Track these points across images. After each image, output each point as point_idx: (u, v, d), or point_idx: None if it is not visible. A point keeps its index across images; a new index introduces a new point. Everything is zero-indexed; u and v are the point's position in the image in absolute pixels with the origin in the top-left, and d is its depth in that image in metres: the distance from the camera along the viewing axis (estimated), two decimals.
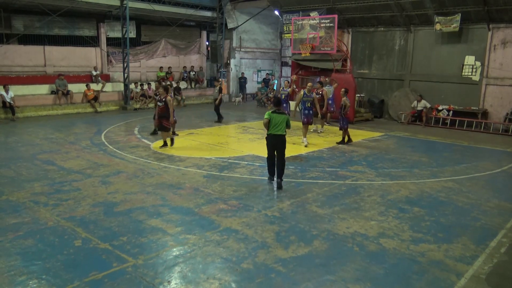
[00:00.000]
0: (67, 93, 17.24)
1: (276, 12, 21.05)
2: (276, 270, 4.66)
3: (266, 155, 8.03)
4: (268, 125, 7.64)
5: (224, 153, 10.38)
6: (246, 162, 9.50)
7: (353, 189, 7.79)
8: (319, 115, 13.11)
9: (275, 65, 26.28)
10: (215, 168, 8.92)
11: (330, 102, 15.36)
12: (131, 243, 5.26)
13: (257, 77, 25.04)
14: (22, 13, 17.44)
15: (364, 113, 17.09)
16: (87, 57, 19.43)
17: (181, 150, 10.72)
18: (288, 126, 7.71)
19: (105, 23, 19.76)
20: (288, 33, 19.48)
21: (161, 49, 21.98)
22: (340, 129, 11.91)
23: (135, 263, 4.74)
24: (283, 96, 13.74)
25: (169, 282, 4.38)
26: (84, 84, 17.97)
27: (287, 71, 25.73)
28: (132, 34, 20.15)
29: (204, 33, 24.14)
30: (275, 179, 7.83)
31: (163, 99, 10.55)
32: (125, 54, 18.27)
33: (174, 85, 19.92)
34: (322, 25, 16.46)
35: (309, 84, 12.23)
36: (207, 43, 24.51)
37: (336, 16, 16.15)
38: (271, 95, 20.36)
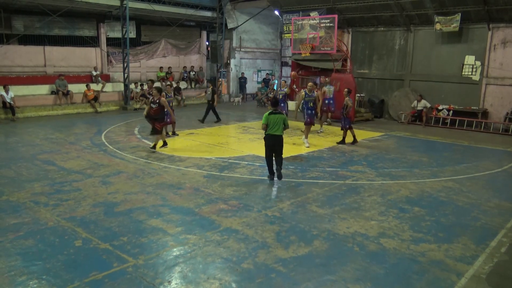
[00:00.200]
0: (67, 93, 17.25)
1: (276, 12, 21.05)
2: (277, 270, 4.66)
3: (265, 157, 8.20)
4: (266, 127, 7.86)
5: (224, 153, 10.38)
6: (246, 162, 9.50)
7: (353, 189, 7.79)
8: (318, 115, 13.10)
9: (275, 65, 26.28)
10: (215, 168, 8.93)
11: (331, 102, 15.39)
12: (131, 243, 5.26)
13: (257, 77, 25.04)
14: (22, 14, 17.44)
15: (364, 113, 17.10)
16: (87, 57, 19.44)
17: (181, 150, 10.72)
18: (285, 126, 7.93)
19: (105, 23, 19.77)
20: (288, 33, 19.49)
21: (161, 49, 21.99)
22: (342, 129, 11.88)
23: (135, 263, 4.74)
24: (280, 96, 13.74)
25: (169, 282, 4.38)
26: (84, 84, 17.98)
27: (287, 71, 25.72)
28: (132, 34, 20.16)
29: (204, 33, 24.14)
30: (275, 179, 8.07)
31: (157, 101, 10.18)
32: (125, 54, 18.27)
33: (174, 85, 19.90)
34: (322, 25, 16.45)
35: (309, 83, 12.17)
36: (207, 43, 24.51)
37: (336, 16, 16.14)
38: (271, 95, 20.30)
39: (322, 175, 8.63)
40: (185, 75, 22.60)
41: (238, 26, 22.84)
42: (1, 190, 7.22)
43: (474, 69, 15.43)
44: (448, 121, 15.62)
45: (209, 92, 14.99)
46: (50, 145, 10.96)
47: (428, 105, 15.82)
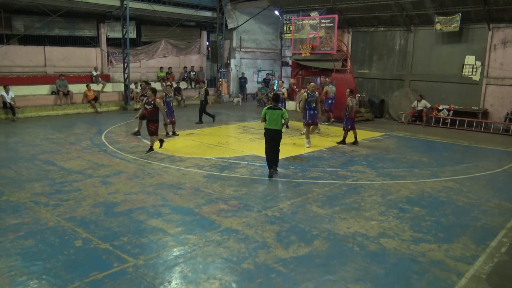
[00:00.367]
0: (67, 94, 17.26)
1: (276, 12, 21.05)
2: (277, 270, 4.66)
3: (265, 155, 8.65)
4: (264, 121, 8.35)
5: (224, 153, 10.39)
6: (246, 162, 9.50)
7: (354, 189, 7.79)
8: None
9: (275, 65, 26.29)
10: (215, 168, 8.93)
11: (333, 102, 15.40)
12: (131, 243, 5.26)
13: (257, 77, 25.04)
14: (22, 14, 17.45)
15: (365, 113, 17.10)
16: (87, 58, 19.45)
17: (182, 150, 10.72)
18: (284, 119, 8.30)
19: (105, 24, 19.78)
20: (288, 33, 19.50)
21: (161, 49, 21.99)
22: (344, 129, 11.84)
23: (135, 263, 4.74)
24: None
25: (169, 282, 4.39)
26: (85, 85, 17.98)
27: (287, 71, 25.74)
28: (132, 34, 20.17)
29: (204, 33, 24.14)
30: (274, 175, 8.45)
31: (152, 102, 10.03)
32: (125, 55, 18.27)
33: (175, 85, 19.91)
34: (322, 25, 16.46)
35: (311, 84, 12.08)
36: (207, 43, 24.52)
37: (336, 16, 16.16)
38: (271, 95, 20.34)
39: (322, 175, 8.63)
40: (185, 75, 22.60)
41: (238, 26, 22.84)
42: (2, 190, 7.22)
43: (474, 69, 15.43)
44: (448, 121, 15.61)
45: (202, 92, 14.82)
46: (50, 145, 10.96)
47: (428, 105, 15.82)
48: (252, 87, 24.49)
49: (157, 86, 20.37)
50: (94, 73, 19.09)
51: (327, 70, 18.46)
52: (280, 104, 12.90)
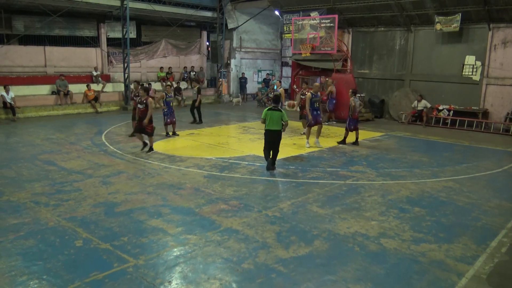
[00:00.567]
0: (67, 93, 17.26)
1: (277, 12, 21.05)
2: (277, 270, 4.66)
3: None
4: (264, 122, 8.58)
5: (224, 153, 10.39)
6: (246, 162, 9.50)
7: (354, 189, 7.79)
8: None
9: (275, 65, 26.29)
10: (215, 168, 8.93)
11: (334, 102, 15.40)
12: (132, 243, 5.26)
13: (258, 77, 25.05)
14: (22, 14, 17.46)
15: (365, 113, 17.08)
16: (87, 58, 19.46)
17: (182, 150, 10.72)
18: (284, 121, 8.54)
19: (105, 24, 19.78)
20: (288, 33, 19.50)
21: (161, 50, 22.00)
22: (346, 129, 11.74)
23: (136, 263, 4.74)
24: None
25: (170, 282, 4.39)
26: (85, 85, 17.99)
27: (287, 71, 25.75)
28: (132, 34, 20.18)
29: (205, 33, 24.15)
30: (270, 161, 8.76)
31: (144, 101, 9.88)
32: (125, 55, 18.28)
33: (175, 85, 19.92)
34: (322, 25, 16.46)
35: (315, 84, 12.00)
36: (207, 43, 24.53)
37: (336, 16, 16.16)
38: (271, 95, 20.35)
39: (322, 175, 8.62)
40: (186, 75, 22.60)
41: (239, 26, 22.85)
42: (2, 190, 7.22)
43: (475, 69, 15.42)
44: (449, 121, 15.61)
45: (194, 91, 14.70)
46: (51, 145, 10.97)
47: (429, 105, 15.82)
48: (252, 87, 24.49)
49: (157, 86, 20.44)
50: (94, 73, 19.09)
51: (327, 70, 18.47)
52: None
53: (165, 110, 12.24)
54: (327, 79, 16.44)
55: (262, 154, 9.60)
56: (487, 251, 5.28)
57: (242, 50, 23.75)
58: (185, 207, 6.61)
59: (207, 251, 5.08)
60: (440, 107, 15.95)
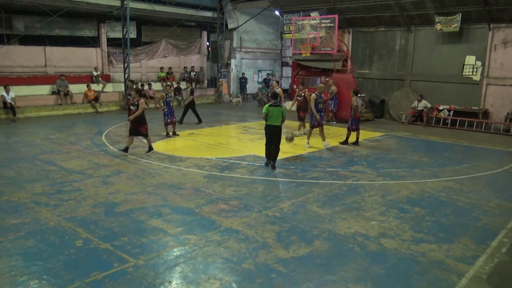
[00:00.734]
0: (67, 93, 17.27)
1: (277, 12, 21.06)
2: (277, 270, 4.66)
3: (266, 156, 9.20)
4: (266, 117, 8.80)
5: (225, 153, 10.39)
6: (246, 162, 9.50)
7: (354, 189, 7.79)
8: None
9: (275, 65, 26.29)
10: (215, 168, 8.93)
11: (330, 102, 15.40)
12: (132, 243, 5.26)
13: (258, 77, 25.05)
14: (23, 14, 17.47)
15: (365, 113, 17.08)
16: (87, 58, 19.46)
17: (182, 150, 10.72)
18: (283, 118, 8.80)
19: (105, 24, 19.78)
20: (288, 33, 19.50)
21: (161, 50, 22.00)
22: (348, 129, 11.72)
23: (136, 263, 4.74)
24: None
25: (170, 282, 4.39)
26: (85, 85, 17.99)
27: (287, 71, 25.75)
28: (132, 34, 20.18)
29: (205, 33, 24.15)
30: (271, 163, 9.03)
31: (136, 103, 9.74)
32: (125, 55, 18.28)
33: (175, 85, 19.92)
34: (322, 25, 16.46)
35: (320, 85, 11.92)
36: (207, 43, 24.53)
37: (336, 16, 16.16)
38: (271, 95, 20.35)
39: (322, 175, 8.62)
40: (186, 75, 22.60)
41: (239, 26, 22.85)
42: (2, 190, 7.23)
43: (475, 69, 15.42)
44: (449, 121, 15.61)
45: (188, 92, 14.60)
46: (51, 145, 10.97)
47: (429, 105, 15.81)
48: (252, 87, 24.49)
49: (157, 86, 20.45)
50: (95, 73, 19.09)
51: (327, 70, 18.47)
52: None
53: (165, 110, 12.23)
54: (327, 79, 16.44)
55: (262, 154, 9.66)
56: (487, 251, 5.28)
57: (242, 50, 23.75)
58: (185, 207, 6.61)
59: (207, 251, 5.08)
60: (440, 107, 15.94)
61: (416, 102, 16.01)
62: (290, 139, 10.72)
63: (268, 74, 24.51)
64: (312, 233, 5.71)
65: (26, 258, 4.81)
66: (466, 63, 15.55)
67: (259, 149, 10.43)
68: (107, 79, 19.60)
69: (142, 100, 9.82)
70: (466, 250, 5.30)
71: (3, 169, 8.60)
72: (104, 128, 13.70)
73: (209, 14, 21.85)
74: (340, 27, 17.51)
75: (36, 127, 13.80)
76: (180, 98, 19.84)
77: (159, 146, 11.09)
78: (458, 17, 14.89)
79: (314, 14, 17.71)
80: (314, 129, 11.40)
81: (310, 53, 16.92)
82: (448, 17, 15.18)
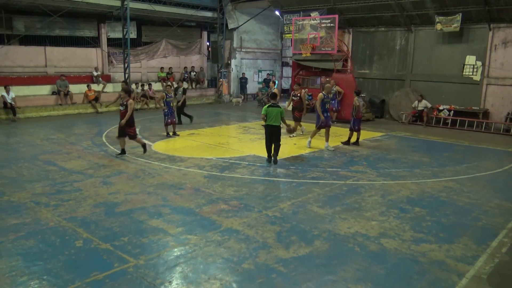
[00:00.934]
0: (67, 94, 17.28)
1: (277, 13, 21.06)
2: (277, 271, 4.66)
3: (266, 155, 9.47)
4: (265, 117, 9.07)
5: (225, 154, 10.39)
6: (247, 163, 9.50)
7: (354, 189, 7.78)
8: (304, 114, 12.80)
9: (276, 65, 26.30)
10: (216, 169, 8.93)
11: (333, 102, 15.39)
12: (132, 243, 5.26)
13: (258, 77, 25.06)
14: (23, 14, 17.49)
15: (365, 113, 17.08)
16: (88, 58, 19.48)
17: (182, 150, 10.73)
18: (282, 117, 9.05)
19: (105, 24, 19.80)
20: (288, 33, 19.50)
21: (161, 50, 22.01)
22: (350, 129, 11.67)
23: (136, 264, 4.74)
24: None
25: (170, 282, 4.39)
26: (85, 85, 18.00)
27: (288, 71, 25.76)
28: (132, 34, 20.19)
29: (205, 34, 24.17)
30: (272, 158, 9.31)
31: (125, 103, 9.50)
32: (125, 55, 18.30)
33: (175, 85, 19.91)
34: (322, 25, 16.46)
35: (327, 85, 11.81)
36: (207, 43, 24.54)
37: (336, 16, 16.16)
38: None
39: (323, 175, 8.62)
40: (186, 75, 22.62)
41: (239, 26, 22.86)
42: (2, 191, 7.23)
43: (475, 69, 15.42)
44: (449, 121, 15.61)
45: (180, 92, 14.30)
46: (51, 146, 10.97)
47: (429, 105, 15.82)
48: (252, 87, 24.50)
49: (157, 86, 20.45)
50: (95, 73, 19.10)
51: (327, 70, 18.46)
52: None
53: (166, 111, 12.24)
54: (327, 79, 16.43)
55: (262, 154, 9.70)
56: (487, 251, 5.28)
57: (242, 50, 23.75)
58: (186, 207, 6.61)
59: (208, 251, 5.08)
60: (441, 107, 15.94)
61: (416, 102, 16.01)
62: (290, 131, 11.00)
63: (268, 74, 24.52)
64: (312, 233, 5.71)
65: (26, 258, 4.81)
66: (466, 63, 15.55)
67: (259, 149, 10.43)
68: (107, 79, 19.61)
69: (131, 101, 9.60)
70: (466, 250, 5.30)
71: (4, 169, 8.60)
72: (104, 128, 13.70)
73: (209, 14, 21.86)
74: (340, 27, 17.51)
75: (36, 127, 13.80)
76: (182, 99, 19.88)
77: (160, 146, 11.10)
78: (458, 17, 14.89)
79: (314, 14, 17.71)
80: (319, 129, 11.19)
81: (310, 53, 16.91)
82: (448, 17, 15.18)
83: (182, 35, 22.98)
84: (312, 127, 14.43)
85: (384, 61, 17.95)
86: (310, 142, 11.29)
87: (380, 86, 18.15)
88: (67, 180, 7.92)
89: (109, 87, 19.21)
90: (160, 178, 8.13)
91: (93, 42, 19.44)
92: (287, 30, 19.90)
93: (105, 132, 12.96)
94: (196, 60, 23.77)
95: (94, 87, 18.21)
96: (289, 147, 11.14)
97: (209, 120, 15.57)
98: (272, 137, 9.13)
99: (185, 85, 21.88)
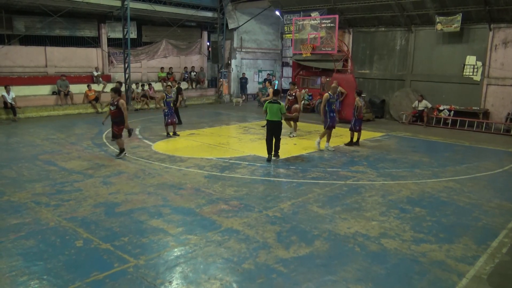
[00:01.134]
0: (67, 94, 17.28)
1: (277, 13, 21.06)
2: (277, 271, 4.66)
3: (266, 155, 9.61)
4: (266, 112, 9.45)
5: (225, 154, 10.39)
6: (247, 163, 9.50)
7: (354, 189, 7.78)
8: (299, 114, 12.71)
9: (276, 65, 26.30)
10: (216, 169, 8.93)
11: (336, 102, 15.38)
12: (132, 243, 5.26)
13: (258, 77, 25.05)
14: (23, 14, 17.49)
15: (365, 113, 17.07)
16: (88, 58, 19.48)
17: (182, 150, 10.73)
18: (282, 113, 9.38)
19: (106, 24, 19.80)
20: (289, 34, 19.50)
21: (162, 50, 22.02)
22: (350, 129, 11.64)
23: (136, 264, 4.74)
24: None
25: (170, 282, 4.39)
26: (85, 85, 18.00)
27: (288, 71, 25.77)
28: (133, 34, 20.19)
29: (205, 34, 24.17)
30: (272, 158, 9.56)
31: (115, 103, 9.44)
32: (126, 55, 18.30)
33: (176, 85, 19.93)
34: (323, 25, 16.45)
35: (333, 85, 11.75)
36: (208, 43, 24.55)
37: (337, 16, 16.14)
38: None
39: (323, 176, 8.62)
40: (186, 75, 22.62)
41: (239, 26, 22.86)
42: (3, 191, 7.23)
43: (475, 70, 15.42)
44: (449, 121, 15.61)
45: (174, 92, 14.00)
46: (51, 146, 10.98)
47: (429, 105, 15.81)
48: (253, 87, 24.49)
49: (157, 86, 20.46)
50: (95, 73, 19.11)
51: (327, 71, 18.46)
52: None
53: (166, 111, 12.24)
54: (327, 79, 16.42)
55: (263, 154, 9.71)
56: (487, 251, 5.28)
57: (242, 50, 23.75)
58: (186, 207, 6.61)
59: (208, 251, 5.08)
60: (441, 107, 15.94)
61: (416, 102, 16.01)
62: (288, 119, 11.67)
63: (268, 74, 24.52)
64: (313, 233, 5.71)
65: (26, 258, 4.82)
66: (466, 63, 15.55)
67: (260, 149, 10.44)
68: (107, 79, 19.61)
69: (122, 101, 9.54)
70: (466, 250, 5.30)
71: (4, 169, 8.60)
72: (105, 128, 13.67)
73: (209, 14, 21.86)
74: (341, 27, 17.51)
75: (36, 127, 13.81)
76: (180, 98, 19.88)
77: (160, 146, 11.10)
78: (459, 17, 14.89)
79: (314, 14, 17.71)
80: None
81: (311, 53, 16.90)
82: (449, 17, 15.18)
83: (182, 35, 22.99)
84: (310, 127, 14.52)
85: (384, 61, 17.95)
86: (319, 142, 11.08)
87: (380, 86, 18.15)
88: (67, 180, 7.92)
89: (109, 87, 19.15)
90: (160, 178, 8.13)
91: (93, 42, 19.44)
92: (287, 30, 19.90)
93: (105, 132, 12.95)
94: (196, 60, 23.77)
95: (95, 87, 18.21)
96: (289, 147, 11.14)
97: (209, 120, 15.57)
98: (273, 132, 9.44)
99: (183, 85, 21.91)
